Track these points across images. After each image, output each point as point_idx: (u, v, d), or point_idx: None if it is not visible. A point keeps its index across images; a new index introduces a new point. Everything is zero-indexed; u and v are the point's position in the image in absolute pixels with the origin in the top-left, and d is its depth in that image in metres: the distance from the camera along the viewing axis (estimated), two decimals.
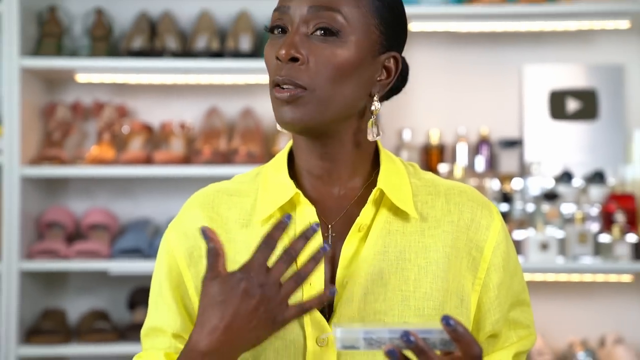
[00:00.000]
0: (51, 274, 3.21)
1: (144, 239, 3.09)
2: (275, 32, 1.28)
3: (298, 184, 1.34)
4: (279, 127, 1.31)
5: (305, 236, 1.17)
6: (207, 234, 1.16)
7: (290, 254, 1.16)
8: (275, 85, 1.25)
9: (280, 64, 1.25)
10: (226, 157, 3.10)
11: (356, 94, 1.28)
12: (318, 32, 1.26)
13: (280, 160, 1.36)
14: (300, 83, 1.24)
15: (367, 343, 1.08)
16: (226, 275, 1.15)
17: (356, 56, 1.27)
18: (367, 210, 1.29)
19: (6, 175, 2.98)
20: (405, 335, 1.07)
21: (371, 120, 1.30)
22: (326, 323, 1.25)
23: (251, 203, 1.35)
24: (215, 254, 1.16)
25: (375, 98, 1.30)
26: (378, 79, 1.29)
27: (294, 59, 1.24)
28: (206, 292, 1.17)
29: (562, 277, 3.18)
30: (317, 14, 1.26)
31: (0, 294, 2.95)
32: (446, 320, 1.08)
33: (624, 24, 3.16)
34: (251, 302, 1.14)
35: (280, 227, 1.16)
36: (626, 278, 3.20)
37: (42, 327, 3.01)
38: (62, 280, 3.28)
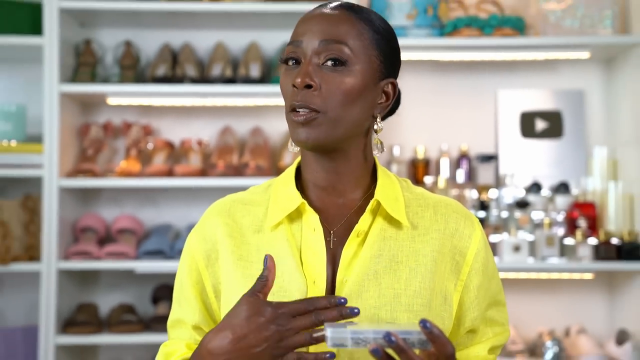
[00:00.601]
0: (85, 272, 3.25)
1: (166, 242, 3.12)
2: (290, 63, 1.31)
3: (304, 194, 1.36)
4: (290, 147, 1.34)
5: (341, 314, 1.16)
6: (267, 263, 1.19)
7: (319, 318, 1.16)
8: (292, 109, 1.29)
9: (297, 91, 1.27)
10: (238, 170, 3.12)
11: (361, 115, 1.31)
12: (329, 63, 1.29)
13: (289, 174, 1.38)
14: (314, 107, 1.27)
15: (354, 342, 1.10)
16: (261, 301, 1.17)
17: (361, 83, 1.30)
18: (365, 219, 1.31)
19: (46, 186, 3.01)
20: (387, 335, 1.08)
21: (376, 138, 1.35)
22: None
23: (263, 212, 1.37)
24: (264, 280, 1.19)
25: (378, 119, 1.34)
26: (379, 102, 1.32)
27: (308, 86, 1.27)
28: (238, 305, 1.19)
29: (532, 275, 3.22)
30: (327, 46, 1.29)
31: (40, 290, 2.99)
32: (424, 323, 1.10)
33: (584, 54, 3.20)
34: (263, 334, 1.15)
35: (321, 318, 1.15)
36: (588, 276, 3.25)
37: (77, 319, 3.05)
38: (94, 278, 3.31)
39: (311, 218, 1.32)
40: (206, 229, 1.38)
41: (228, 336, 1.16)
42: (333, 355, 1.16)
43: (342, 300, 1.16)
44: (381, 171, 1.36)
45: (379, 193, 1.32)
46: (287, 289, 1.29)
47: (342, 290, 1.28)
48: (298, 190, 1.34)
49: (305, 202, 1.32)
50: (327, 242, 1.32)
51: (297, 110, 1.27)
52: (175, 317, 1.38)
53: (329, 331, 1.10)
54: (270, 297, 1.24)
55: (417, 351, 1.13)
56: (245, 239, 1.34)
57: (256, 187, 1.42)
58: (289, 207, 1.32)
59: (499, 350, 1.38)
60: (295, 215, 1.33)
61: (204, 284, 1.36)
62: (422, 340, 1.10)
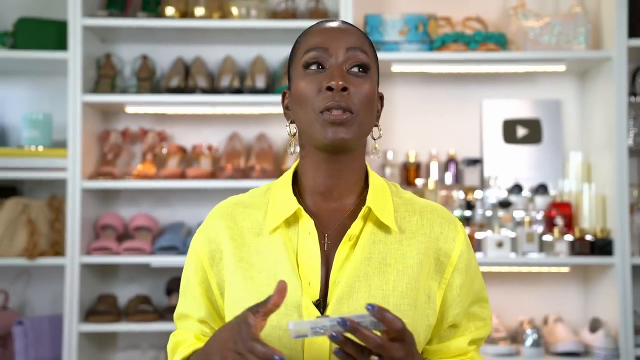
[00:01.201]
0: (105, 266, 3.27)
1: (179, 239, 3.15)
2: (312, 67, 1.29)
3: (301, 199, 1.35)
4: (290, 150, 1.34)
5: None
6: (279, 287, 1.13)
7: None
8: (325, 110, 1.26)
9: (332, 93, 1.26)
10: (244, 173, 3.14)
11: (372, 119, 1.32)
12: (355, 69, 1.29)
13: (286, 179, 1.37)
14: (350, 108, 1.26)
15: (314, 332, 1.11)
16: (253, 323, 1.12)
17: (375, 89, 1.32)
18: (357, 224, 1.31)
19: (70, 188, 3.03)
20: (342, 320, 1.09)
21: (374, 144, 1.36)
22: (319, 315, 1.27)
23: (262, 215, 1.35)
24: (266, 301, 1.13)
25: (379, 126, 1.35)
26: (377, 109, 1.34)
27: (344, 89, 1.26)
28: (237, 317, 1.16)
29: (514, 269, 3.22)
30: (354, 54, 1.29)
31: (64, 283, 3.02)
32: (370, 306, 1.11)
33: (561, 67, 3.20)
34: (229, 346, 1.13)
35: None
36: (564, 270, 3.27)
37: (98, 308, 3.07)
38: (113, 272, 3.32)
39: (307, 223, 1.31)
40: (210, 230, 1.37)
41: (220, 337, 1.18)
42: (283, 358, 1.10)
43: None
44: (372, 177, 1.37)
45: (370, 200, 1.32)
46: None
47: (335, 291, 1.28)
48: (295, 195, 1.34)
49: (301, 207, 1.32)
50: (322, 245, 1.31)
51: (331, 110, 1.25)
52: (182, 311, 1.39)
53: (290, 325, 1.11)
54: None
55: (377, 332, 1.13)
56: (245, 242, 1.33)
57: (256, 190, 1.41)
58: (286, 212, 1.32)
59: (481, 343, 1.39)
60: (292, 220, 1.32)
61: (209, 282, 1.35)
62: (374, 322, 1.11)
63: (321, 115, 1.26)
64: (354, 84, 1.27)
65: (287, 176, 1.37)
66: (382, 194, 1.34)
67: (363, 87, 1.28)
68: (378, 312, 1.10)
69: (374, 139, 1.35)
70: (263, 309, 1.12)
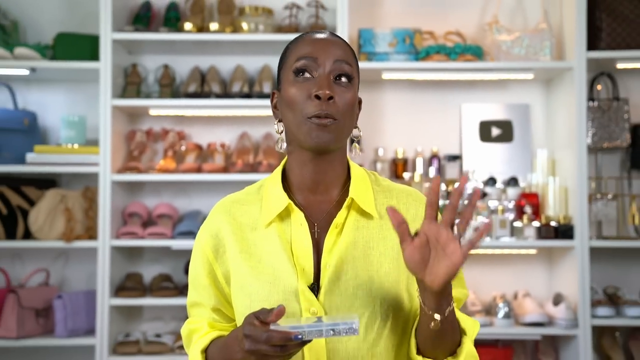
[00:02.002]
0: (132, 248, 3.32)
1: (196, 225, 3.14)
2: (302, 75, 1.27)
3: (290, 194, 1.33)
4: (277, 147, 1.32)
5: (294, 339, 1.11)
6: (277, 311, 1.13)
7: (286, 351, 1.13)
8: (313, 116, 1.24)
9: (319, 102, 1.24)
10: (253, 167, 3.17)
11: (353, 123, 1.32)
12: (341, 79, 1.28)
13: (276, 176, 1.35)
14: (335, 116, 1.25)
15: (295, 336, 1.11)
16: (258, 323, 1.14)
17: (356, 95, 1.31)
18: (342, 213, 1.30)
19: (101, 181, 3.08)
20: (318, 332, 1.10)
21: (355, 143, 1.34)
22: (314, 297, 1.26)
23: (257, 210, 1.34)
24: (264, 314, 1.14)
25: (358, 128, 1.34)
26: (357, 112, 1.33)
27: (331, 98, 1.25)
28: (250, 316, 1.16)
29: (489, 251, 3.26)
30: (341, 65, 1.28)
31: (97, 263, 3.07)
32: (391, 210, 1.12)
33: (529, 76, 3.25)
34: (247, 344, 1.14)
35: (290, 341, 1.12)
36: (532, 252, 3.32)
37: (126, 285, 3.13)
38: (139, 253, 3.37)
39: (298, 215, 1.31)
40: (213, 227, 1.35)
41: (239, 334, 1.18)
42: (298, 337, 1.11)
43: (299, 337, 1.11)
44: (354, 169, 1.36)
45: (353, 191, 1.31)
46: (281, 277, 1.28)
47: (326, 274, 1.27)
48: (285, 190, 1.32)
49: (291, 202, 1.31)
50: (312, 234, 1.30)
51: (320, 117, 1.24)
52: (195, 300, 1.37)
53: (271, 326, 1.13)
54: (268, 287, 1.27)
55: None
56: (244, 235, 1.32)
57: (250, 188, 1.39)
58: (278, 207, 1.31)
59: (460, 303, 1.36)
60: (284, 214, 1.31)
61: (215, 274, 1.34)
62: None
63: (308, 121, 1.25)
64: (339, 93, 1.26)
65: (277, 173, 1.35)
66: (362, 184, 1.33)
67: (346, 96, 1.27)
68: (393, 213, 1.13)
69: (355, 139, 1.34)
70: (263, 318, 1.13)
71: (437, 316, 1.16)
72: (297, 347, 1.13)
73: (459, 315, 1.27)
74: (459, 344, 1.25)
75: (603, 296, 3.21)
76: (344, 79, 1.28)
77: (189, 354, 1.35)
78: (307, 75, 1.27)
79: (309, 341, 1.13)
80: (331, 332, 1.11)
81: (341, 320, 1.12)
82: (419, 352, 1.25)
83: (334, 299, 1.25)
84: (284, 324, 1.12)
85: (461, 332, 1.26)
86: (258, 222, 1.32)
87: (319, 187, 1.32)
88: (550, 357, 3.24)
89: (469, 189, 3.24)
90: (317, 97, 1.24)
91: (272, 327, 1.11)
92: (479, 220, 3.14)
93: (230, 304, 1.35)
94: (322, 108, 1.24)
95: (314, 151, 1.28)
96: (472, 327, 1.28)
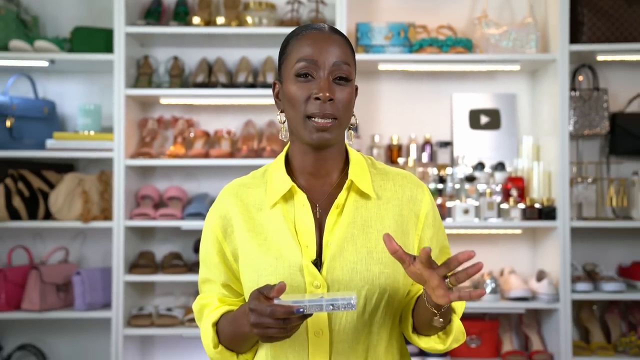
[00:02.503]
0: (144, 228, 3.34)
1: (204, 207, 3.17)
2: (303, 77, 1.27)
3: (293, 177, 1.34)
4: (281, 136, 1.33)
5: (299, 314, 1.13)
6: (278, 287, 1.15)
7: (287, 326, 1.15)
8: (314, 115, 1.25)
9: (319, 103, 1.25)
10: (257, 153, 3.18)
11: (350, 116, 1.32)
12: (340, 80, 1.28)
13: (279, 161, 1.36)
14: (335, 115, 1.27)
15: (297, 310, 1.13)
16: (254, 299, 1.17)
17: (354, 91, 1.32)
18: (342, 194, 1.32)
19: (116, 165, 3.10)
20: (298, 309, 1.12)
21: (350, 130, 1.35)
22: (317, 272, 1.27)
23: (262, 193, 1.35)
24: (267, 289, 1.17)
25: (354, 115, 1.35)
26: (354, 102, 1.33)
27: (331, 99, 1.26)
28: (255, 291, 1.18)
29: (477, 231, 3.30)
30: (339, 66, 1.28)
31: (112, 242, 3.10)
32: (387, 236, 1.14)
33: (516, 67, 3.26)
34: (252, 318, 1.17)
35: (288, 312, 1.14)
36: (517, 232, 3.35)
37: (139, 262, 3.16)
38: (151, 233, 3.40)
39: (300, 197, 1.32)
40: (221, 208, 1.36)
41: (246, 310, 1.21)
42: (300, 310, 1.13)
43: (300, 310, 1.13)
44: (352, 154, 1.37)
45: (352, 174, 1.33)
46: (286, 254, 1.29)
47: (327, 251, 1.29)
48: (288, 174, 1.34)
49: (294, 184, 1.32)
50: (314, 214, 1.32)
51: (317, 117, 1.25)
52: (205, 277, 1.39)
53: (275, 301, 1.15)
54: (274, 262, 1.28)
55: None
56: (251, 215, 1.33)
57: (255, 172, 1.40)
58: (282, 189, 1.32)
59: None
60: (288, 196, 1.33)
61: (224, 252, 1.35)
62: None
63: (308, 120, 1.26)
64: (338, 92, 1.27)
65: (281, 158, 1.36)
66: (360, 167, 1.35)
67: (345, 94, 1.28)
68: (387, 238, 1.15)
69: (350, 126, 1.34)
70: (267, 293, 1.15)
71: (437, 316, 1.20)
72: (298, 321, 1.15)
73: None
74: (449, 321, 1.29)
75: (582, 273, 3.25)
76: (342, 80, 1.28)
77: (201, 327, 1.36)
78: (307, 77, 1.27)
79: (310, 315, 1.15)
80: (330, 306, 1.12)
81: (340, 296, 1.13)
82: (414, 331, 1.30)
83: (335, 273, 1.27)
84: (287, 299, 1.14)
85: (451, 311, 1.29)
86: (264, 203, 1.33)
87: (320, 171, 1.33)
88: (533, 329, 3.28)
89: (460, 173, 3.26)
90: (318, 98, 1.25)
91: (275, 301, 1.13)
92: (468, 202, 3.15)
93: (238, 280, 1.36)
94: (323, 108, 1.25)
95: (314, 147, 1.30)
96: (460, 305, 1.32)
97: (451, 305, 1.29)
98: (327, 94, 1.24)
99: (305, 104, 1.26)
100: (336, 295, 1.14)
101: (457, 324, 1.30)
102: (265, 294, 1.15)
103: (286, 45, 1.33)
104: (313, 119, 1.25)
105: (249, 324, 1.17)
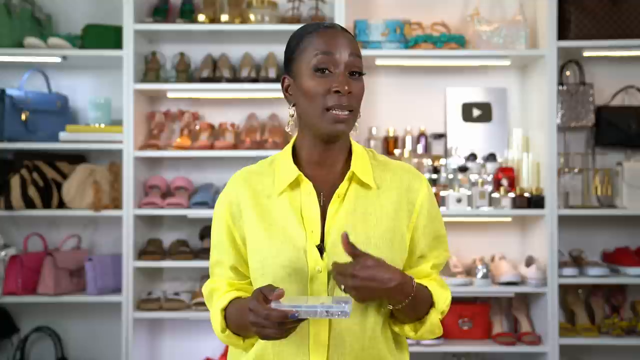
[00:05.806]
0: (152, 217, 3.37)
1: (209, 196, 3.22)
2: (320, 72, 1.29)
3: (300, 167, 1.36)
4: (287, 129, 1.35)
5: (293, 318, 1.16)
6: (277, 292, 1.17)
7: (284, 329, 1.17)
8: (332, 108, 1.27)
9: (339, 96, 1.27)
10: (260, 145, 3.20)
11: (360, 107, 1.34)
12: (355, 74, 1.31)
13: (287, 151, 1.39)
14: (352, 107, 1.30)
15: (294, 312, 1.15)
16: (254, 300, 1.20)
17: (364, 87, 1.34)
18: (344, 184, 1.34)
19: (125, 156, 3.15)
20: (294, 313, 1.14)
21: (356, 124, 1.36)
22: (319, 257, 1.30)
23: (270, 181, 1.37)
24: (267, 291, 1.19)
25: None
26: None
27: (350, 92, 1.29)
28: (257, 291, 1.21)
29: (469, 219, 3.30)
30: (354, 60, 1.31)
31: (122, 229, 3.14)
32: (345, 234, 1.20)
33: (506, 62, 3.31)
34: (250, 317, 1.20)
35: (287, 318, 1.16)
36: (507, 219, 3.36)
37: (148, 249, 3.20)
38: (159, 221, 3.44)
39: (306, 185, 1.34)
40: (231, 195, 1.38)
41: (246, 307, 1.23)
42: (294, 316, 1.15)
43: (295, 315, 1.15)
44: (355, 146, 1.39)
45: (354, 165, 1.35)
46: (292, 237, 1.32)
47: (329, 236, 1.31)
48: (295, 164, 1.36)
49: (301, 173, 1.34)
50: (319, 201, 1.34)
51: (337, 110, 1.27)
52: (216, 259, 1.40)
53: (272, 304, 1.15)
54: (281, 246, 1.31)
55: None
56: (259, 202, 1.35)
57: (263, 161, 1.42)
58: (289, 178, 1.34)
59: (441, 267, 1.42)
60: (294, 184, 1.35)
61: (234, 236, 1.37)
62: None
63: (328, 113, 1.28)
64: (353, 87, 1.30)
65: (288, 149, 1.38)
66: (362, 159, 1.37)
67: (359, 86, 1.31)
68: (345, 238, 1.20)
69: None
70: (265, 292, 1.19)
71: (390, 306, 1.27)
72: (293, 325, 1.18)
73: (434, 290, 1.35)
74: (427, 312, 1.33)
75: (569, 258, 3.30)
76: (356, 74, 1.31)
77: (211, 310, 1.39)
78: (325, 72, 1.29)
79: (304, 319, 1.17)
80: (325, 313, 1.13)
81: (336, 303, 1.15)
82: (392, 317, 1.35)
83: (336, 259, 1.28)
84: (288, 303, 1.16)
85: (431, 305, 1.34)
86: (271, 190, 1.35)
87: (325, 162, 1.35)
88: (522, 312, 3.32)
89: (453, 163, 3.26)
90: (337, 91, 1.27)
91: (273, 304, 1.14)
92: (461, 191, 3.19)
93: (246, 263, 1.38)
94: (342, 101, 1.27)
95: (327, 138, 1.31)
96: (443, 301, 1.35)
97: (433, 299, 1.34)
98: (346, 87, 1.27)
99: (324, 98, 1.27)
100: (333, 301, 1.17)
101: (432, 318, 1.33)
102: (265, 294, 1.18)
103: (299, 42, 1.34)
104: (332, 110, 1.27)
105: (249, 320, 1.21)
